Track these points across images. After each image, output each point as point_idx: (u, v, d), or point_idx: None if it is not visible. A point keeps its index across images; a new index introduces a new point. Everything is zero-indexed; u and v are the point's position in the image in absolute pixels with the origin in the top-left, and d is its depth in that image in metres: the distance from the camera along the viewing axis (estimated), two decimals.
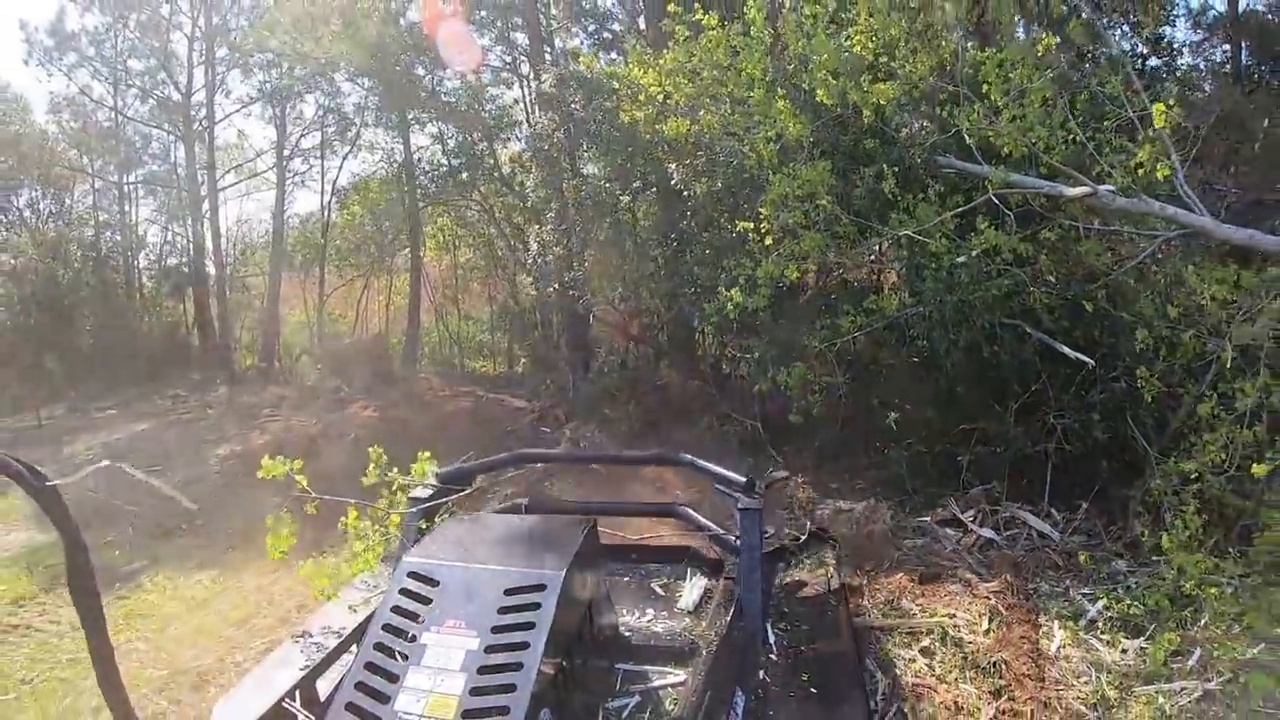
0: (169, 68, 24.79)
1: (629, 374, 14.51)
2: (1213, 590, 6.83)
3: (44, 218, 26.24)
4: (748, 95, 9.33)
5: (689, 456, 6.01)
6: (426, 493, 5.56)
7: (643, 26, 16.32)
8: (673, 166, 10.98)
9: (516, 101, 22.24)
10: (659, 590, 5.87)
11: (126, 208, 26.57)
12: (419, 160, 23.70)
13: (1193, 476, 7.33)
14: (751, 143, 9.57)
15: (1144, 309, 8.08)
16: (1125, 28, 13.15)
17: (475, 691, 3.43)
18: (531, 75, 19.58)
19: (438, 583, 3.88)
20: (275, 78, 24.52)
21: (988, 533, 8.79)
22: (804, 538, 6.56)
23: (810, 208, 8.99)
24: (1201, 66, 14.89)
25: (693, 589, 5.73)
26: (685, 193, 11.03)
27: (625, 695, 4.53)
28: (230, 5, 24.81)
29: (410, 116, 22.77)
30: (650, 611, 5.54)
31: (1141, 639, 6.67)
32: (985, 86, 8.54)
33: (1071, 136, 8.44)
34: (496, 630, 3.64)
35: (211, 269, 25.73)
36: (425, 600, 3.82)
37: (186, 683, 7.41)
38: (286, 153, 25.97)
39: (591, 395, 14.21)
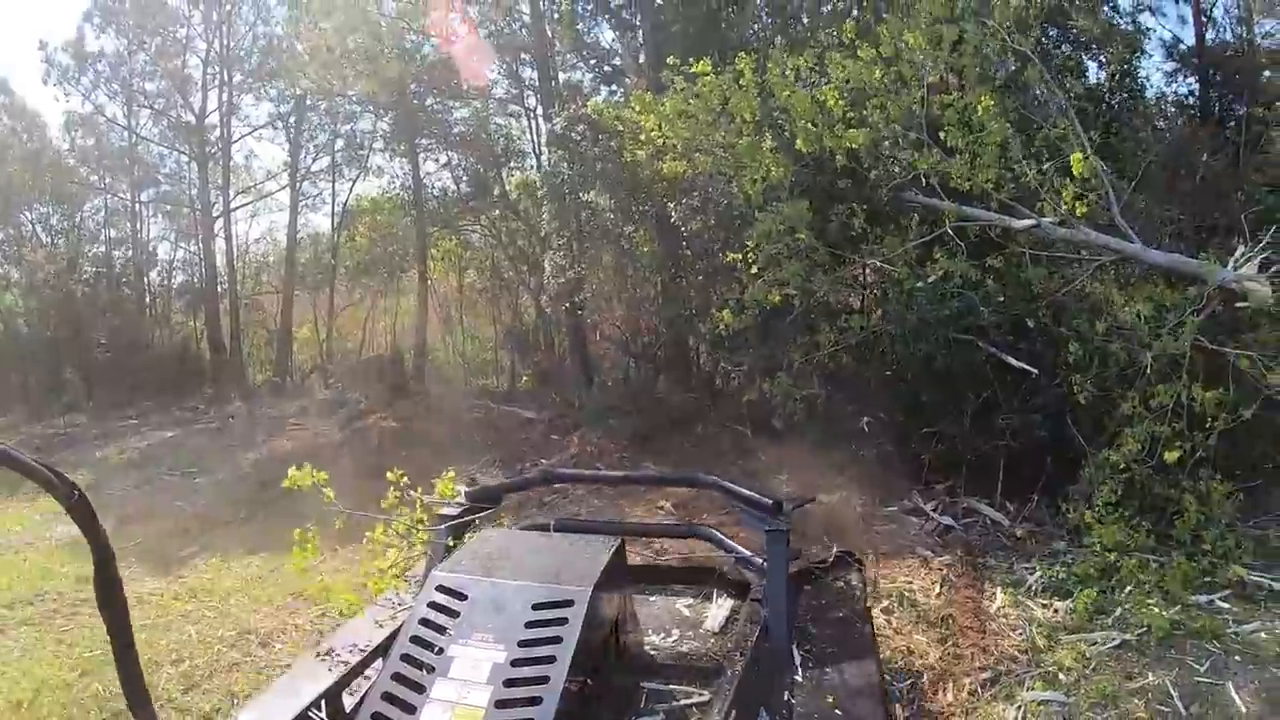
0: (184, 90, 25.05)
1: (631, 387, 15.58)
2: (1132, 562, 7.97)
3: (56, 234, 26.63)
4: (736, 141, 10.44)
5: (715, 478, 6.02)
6: (454, 511, 5.49)
7: (641, 61, 17.12)
8: (671, 205, 12.14)
9: (523, 132, 23.06)
10: (685, 611, 5.73)
11: (139, 226, 26.80)
12: (428, 185, 24.17)
13: (1121, 467, 8.45)
14: (740, 183, 10.74)
15: (1079, 325, 9.21)
16: (1098, 61, 13.61)
17: (501, 704, 3.45)
18: (539, 108, 20.49)
19: (466, 597, 3.91)
20: (289, 103, 25.19)
21: (946, 520, 10.02)
22: (830, 559, 6.31)
23: (791, 240, 10.17)
24: (1166, 97, 15.25)
25: (718, 610, 5.57)
26: (681, 227, 12.22)
27: (650, 713, 4.45)
28: (246, 31, 25.26)
29: (420, 143, 23.19)
30: (676, 631, 5.41)
31: (1070, 600, 7.72)
32: (943, 133, 9.72)
33: (1019, 175, 9.52)
34: (524, 644, 3.65)
35: (223, 286, 26.16)
36: (453, 614, 3.84)
37: (255, 640, 8.18)
38: (298, 175, 26.37)
39: (596, 407, 15.07)
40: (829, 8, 16.28)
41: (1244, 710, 5.98)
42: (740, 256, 10.69)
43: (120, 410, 21.66)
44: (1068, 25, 12.87)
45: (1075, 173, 8.98)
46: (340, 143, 26.19)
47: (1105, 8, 13.53)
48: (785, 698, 4.42)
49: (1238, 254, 8.56)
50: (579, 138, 13.58)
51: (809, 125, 10.13)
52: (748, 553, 5.76)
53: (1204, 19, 15.01)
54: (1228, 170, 11.91)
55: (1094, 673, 6.62)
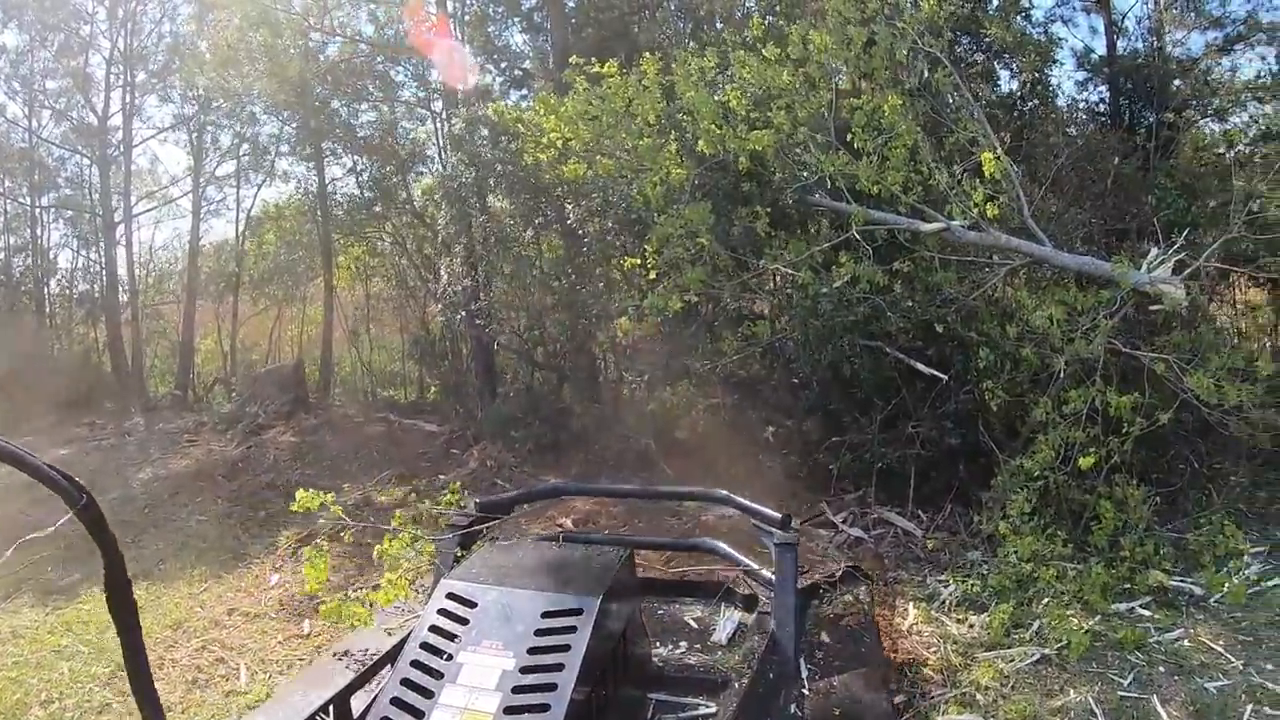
0: (86, 90, 24.17)
1: (533, 398, 15.04)
2: (1049, 571, 7.79)
3: None
4: (638, 142, 10.09)
5: (726, 493, 6.16)
6: (464, 521, 5.59)
7: (551, 65, 16.81)
8: (570, 207, 11.74)
9: (429, 137, 22.53)
10: (693, 623, 6.00)
11: (39, 231, 25.72)
12: (333, 191, 23.70)
13: (1035, 474, 8.26)
14: (640, 186, 10.33)
15: (990, 329, 9.05)
16: (1011, 69, 13.64)
17: (509, 711, 3.51)
18: (444, 113, 20.01)
19: (476, 604, 4.02)
20: (193, 106, 24.41)
21: (856, 532, 9.73)
22: (838, 573, 6.59)
23: (692, 244, 9.82)
24: (1078, 105, 15.24)
25: (726, 623, 5.88)
26: (580, 231, 11.83)
27: None
28: (150, 30, 24.33)
29: (326, 148, 22.70)
30: (684, 644, 5.67)
31: (986, 615, 7.49)
32: (851, 135, 9.47)
33: (928, 178, 9.29)
34: (532, 651, 3.75)
35: (125, 296, 25.24)
36: (463, 621, 3.95)
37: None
38: (202, 179, 25.60)
39: (497, 419, 14.67)
40: (740, 12, 16.08)
41: None
42: (638, 262, 10.35)
43: (15, 426, 20.17)
44: (980, 34, 12.79)
45: (986, 173, 8.78)
46: (245, 147, 25.41)
47: (1018, 18, 13.47)
48: (792, 711, 4.46)
49: (1151, 256, 8.49)
50: (479, 140, 13.10)
51: (712, 127, 9.82)
52: (756, 565, 6.06)
53: (1115, 29, 15.13)
54: (1137, 175, 11.87)
55: (1013, 691, 6.41)
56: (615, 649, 4.30)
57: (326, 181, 23.67)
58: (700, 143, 9.86)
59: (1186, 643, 6.79)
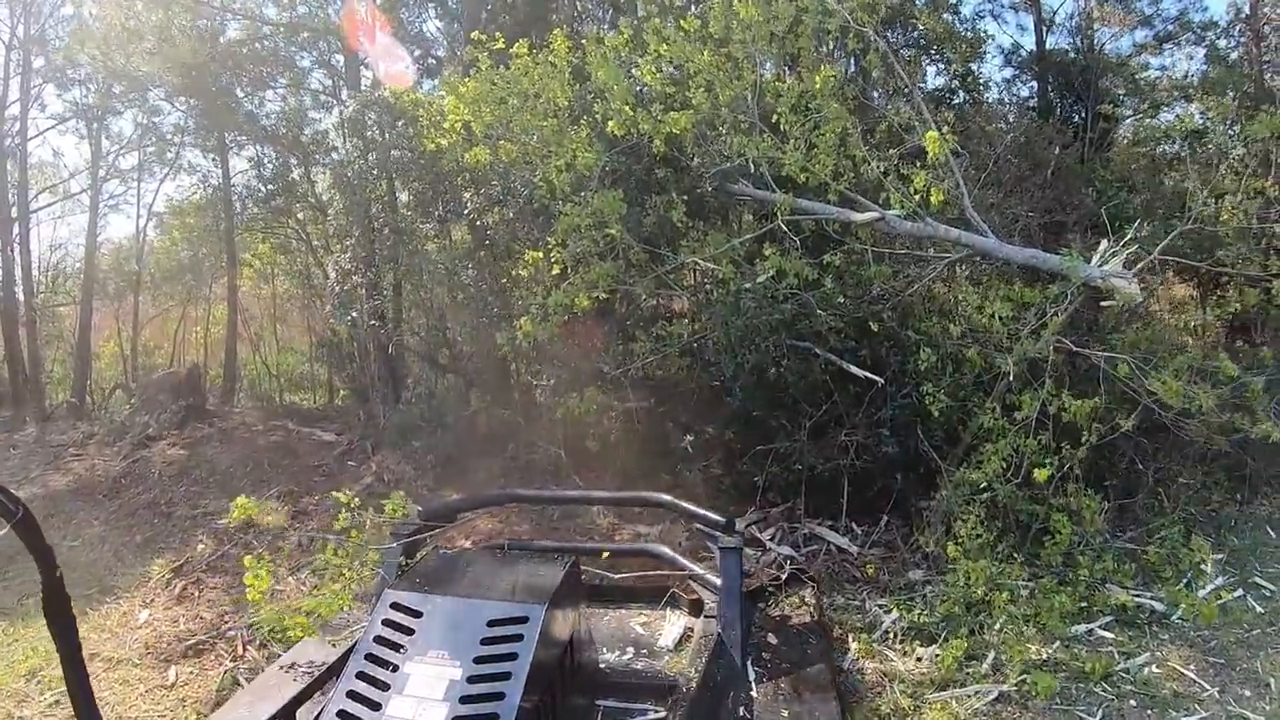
0: None
1: (436, 405, 14.24)
2: (1003, 595, 7.19)
3: None
4: (543, 124, 9.33)
5: (669, 498, 6.28)
6: (407, 530, 5.57)
7: (461, 54, 16.13)
8: (468, 195, 10.82)
9: (335, 126, 21.67)
10: (639, 629, 5.93)
11: None
12: (236, 185, 22.67)
13: (981, 486, 7.67)
14: (544, 171, 9.52)
15: (930, 328, 8.42)
16: (940, 64, 13.79)
17: None
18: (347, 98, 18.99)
19: (421, 614, 3.93)
20: (91, 94, 23.03)
21: (786, 550, 8.94)
22: (784, 577, 6.64)
23: (601, 236, 9.02)
24: (1007, 101, 15.48)
25: (673, 627, 5.83)
26: (479, 222, 10.86)
27: None
28: (50, 14, 22.86)
29: (230, 139, 21.85)
30: (631, 650, 5.60)
31: (935, 646, 6.87)
32: (775, 117, 8.74)
33: (859, 165, 8.65)
34: (479, 661, 3.69)
35: (21, 297, 23.60)
36: (408, 631, 3.87)
37: None
38: (102, 173, 24.36)
39: (398, 427, 13.92)
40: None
41: None
42: (540, 256, 9.53)
43: None
44: (909, 26, 12.67)
45: (930, 153, 8.08)
46: (149, 139, 24.06)
47: (946, 14, 13.36)
48: (740, 713, 4.59)
49: (1102, 249, 7.90)
50: (371, 124, 12.12)
51: (625, 107, 9.01)
52: (701, 570, 6.12)
53: (1045, 25, 15.31)
54: (1075, 167, 11.62)
55: None
56: (562, 656, 4.24)
57: (231, 175, 22.74)
58: (610, 124, 9.05)
59: (1155, 669, 6.40)
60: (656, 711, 4.65)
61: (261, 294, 26.43)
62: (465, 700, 3.54)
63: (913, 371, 8.46)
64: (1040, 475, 7.26)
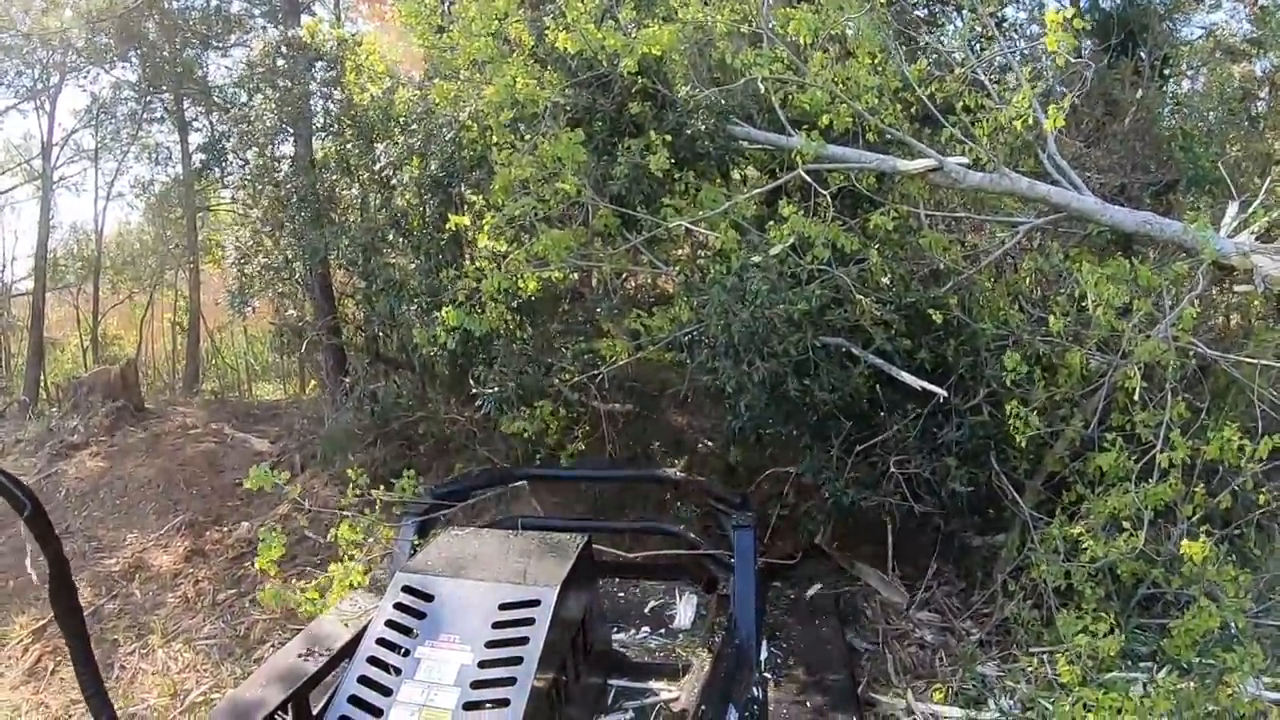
0: None
1: (379, 408, 11.92)
2: (1110, 696, 4.92)
3: None
4: (474, 44, 7.03)
5: (681, 474, 6.42)
6: (419, 509, 5.54)
7: None
8: (380, 147, 8.53)
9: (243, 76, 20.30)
10: (653, 608, 6.13)
11: None
12: (196, 160, 20.76)
13: (1083, 544, 5.45)
14: (475, 111, 7.24)
15: (1013, 320, 6.16)
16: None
17: (469, 706, 3.44)
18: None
19: (432, 597, 3.91)
20: (37, 66, 21.74)
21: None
22: (798, 555, 6.88)
23: (553, 194, 6.67)
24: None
25: (686, 606, 6.01)
26: (393, 181, 8.45)
27: (618, 711, 4.68)
28: None
29: (189, 111, 21.12)
30: (645, 629, 5.80)
31: None
32: (791, 30, 6.42)
33: (905, 98, 6.67)
34: (491, 645, 3.64)
35: None
36: (419, 615, 3.84)
37: None
38: (55, 153, 22.94)
39: (333, 436, 12.16)
40: None
41: None
42: (467, 222, 7.27)
43: None
44: None
45: (1051, 48, 6.19)
46: (105, 115, 22.77)
47: None
48: (754, 694, 4.45)
49: (1231, 212, 6.32)
50: (284, 69, 9.91)
51: (584, 17, 6.67)
52: (715, 548, 5.99)
53: None
54: (1157, 115, 9.79)
55: None
56: (575, 637, 4.21)
57: (190, 150, 21.62)
58: (562, 37, 6.65)
59: None
60: (669, 692, 4.77)
61: (228, 276, 24.67)
62: (477, 685, 3.51)
63: (990, 379, 6.10)
64: (1193, 551, 5.04)
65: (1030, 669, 5.62)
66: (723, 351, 6.28)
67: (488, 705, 3.41)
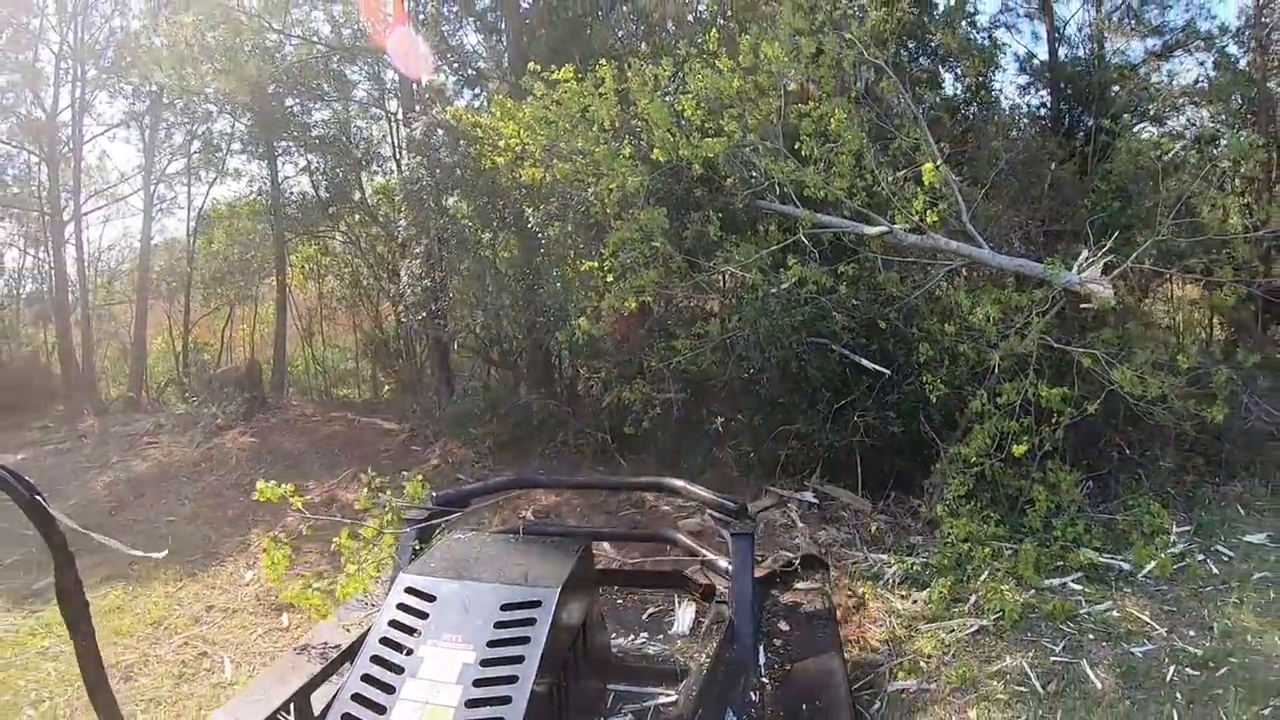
0: (35, 85, 23.58)
1: (491, 396, 15.34)
2: (986, 551, 8.35)
3: None
4: (594, 148, 10.51)
5: (681, 483, 6.17)
6: (422, 514, 5.56)
7: (505, 65, 16.85)
8: (529, 210, 12.03)
9: (385, 136, 22.68)
10: (652, 613, 6.06)
11: None
12: (286, 190, 23.56)
13: (971, 461, 8.85)
14: (598, 192, 10.82)
15: (931, 327, 9.60)
16: (956, 72, 14.17)
17: (471, 704, 3.44)
18: (400, 113, 20.11)
19: (435, 598, 3.91)
20: (144, 102, 24.11)
21: (809, 497, 10.53)
22: (796, 561, 6.59)
23: (647, 248, 10.24)
24: (1020, 109, 15.83)
25: (685, 613, 5.89)
26: (539, 234, 12.17)
27: (617, 715, 4.64)
28: (102, 23, 23.86)
29: (279, 146, 22.68)
30: (644, 634, 5.69)
31: (927, 591, 8.01)
32: (799, 143, 9.99)
33: (872, 184, 9.86)
34: (492, 644, 3.66)
35: (73, 296, 24.70)
36: (422, 615, 3.85)
37: (117, 675, 7.55)
38: (153, 176, 25.17)
39: (456, 416, 14.91)
40: (693, 15, 16.46)
41: (1099, 686, 6.29)
42: (596, 265, 10.73)
43: None
44: (926, 39, 13.30)
45: (926, 181, 9.27)
46: (197, 144, 25.13)
47: (963, 24, 13.99)
48: (751, 698, 4.50)
49: (1082, 258, 8.97)
50: (438, 143, 13.36)
51: (667, 134, 10.28)
52: (713, 555, 6.00)
53: (1057, 36, 15.72)
54: (1075, 178, 12.40)
55: (954, 658, 6.89)
56: (575, 640, 4.21)
57: (280, 180, 23.51)
58: (655, 150, 10.36)
59: (1115, 613, 7.28)
60: (667, 695, 4.72)
61: (307, 293, 27.06)
62: (479, 683, 3.52)
63: (915, 364, 9.69)
64: (1017, 450, 8.47)
65: (940, 540, 8.91)
66: (752, 346, 10.31)
67: (490, 703, 3.45)
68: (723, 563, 5.73)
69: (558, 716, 3.84)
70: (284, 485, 5.10)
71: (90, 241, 26.73)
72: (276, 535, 5.41)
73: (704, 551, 6.23)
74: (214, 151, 24.97)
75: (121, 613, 9.29)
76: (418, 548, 5.16)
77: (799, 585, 6.24)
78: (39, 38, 23.68)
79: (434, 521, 5.55)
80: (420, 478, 5.94)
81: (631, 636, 5.58)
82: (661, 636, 5.61)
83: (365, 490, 5.52)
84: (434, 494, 5.86)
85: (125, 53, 22.62)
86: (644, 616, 5.91)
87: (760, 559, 5.91)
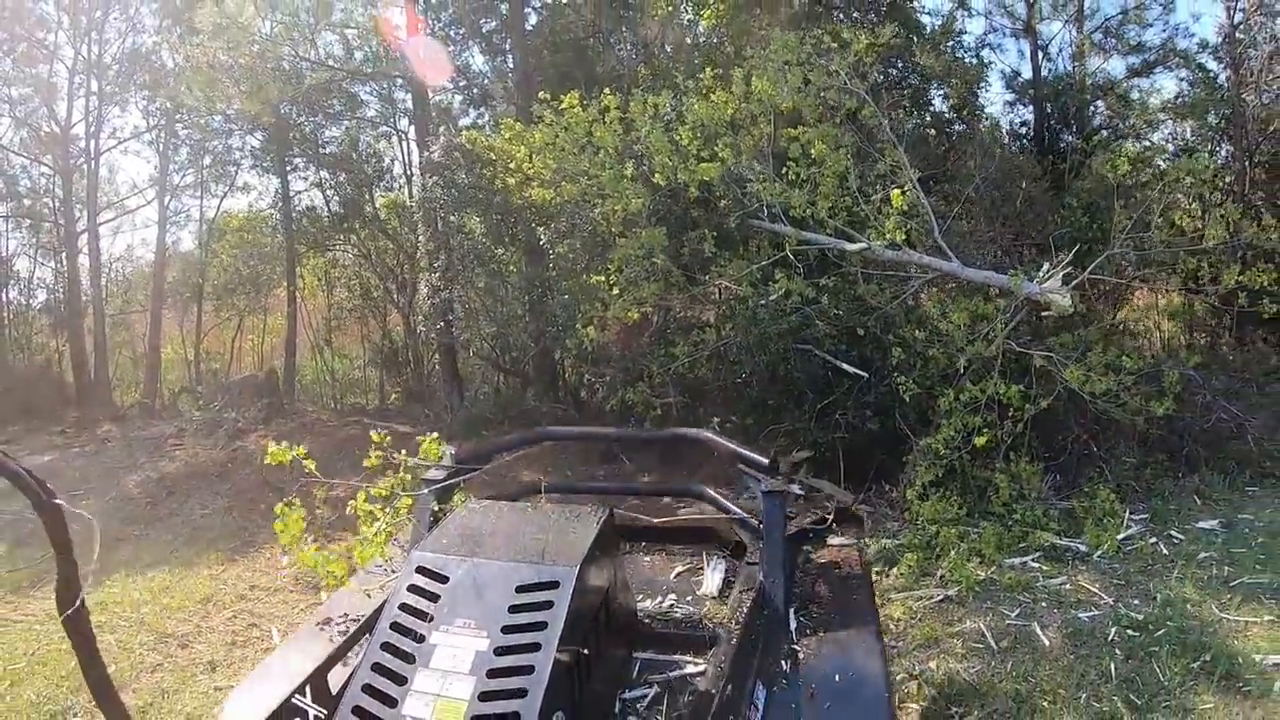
0: (49, 98, 24.37)
1: (501, 400, 16.27)
2: (952, 532, 9.21)
3: None
4: (600, 172, 11.37)
5: (709, 434, 5.96)
6: (440, 474, 5.31)
7: (511, 85, 17.74)
8: (540, 229, 13.05)
9: (394, 158, 23.69)
10: (680, 573, 5.56)
11: None
12: (296, 203, 24.20)
13: (939, 453, 9.69)
14: (603, 211, 11.79)
15: (905, 334, 10.42)
16: (943, 92, 15.06)
17: (484, 696, 3.23)
18: (411, 131, 21.10)
19: (447, 579, 3.67)
20: (156, 117, 24.78)
21: (795, 489, 10.95)
22: (829, 519, 5.91)
23: (649, 263, 11.20)
24: (1005, 125, 16.77)
25: (714, 573, 5.36)
26: (549, 250, 13.14)
27: (643, 685, 4.30)
28: (117, 39, 24.40)
29: (290, 161, 23.31)
30: (672, 596, 5.20)
31: (898, 567, 8.90)
32: (786, 167, 10.89)
33: (853, 205, 10.69)
34: (507, 630, 3.43)
35: (87, 305, 25.15)
36: (434, 597, 3.61)
37: (174, 643, 8.54)
38: (166, 189, 25.89)
39: (468, 420, 15.60)
40: (690, 39, 17.32)
41: (1047, 643, 7.15)
42: (603, 280, 11.63)
43: None
44: (913, 60, 14.12)
45: (895, 205, 10.04)
46: (208, 158, 25.91)
47: (950, 44, 14.98)
48: (783, 667, 4.29)
49: (1043, 269, 9.84)
50: (454, 165, 14.24)
51: (666, 160, 11.13)
52: (744, 513, 5.68)
53: (1041, 54, 16.52)
54: (1048, 194, 13.13)
55: (920, 621, 7.77)
56: (597, 612, 3.90)
57: (291, 194, 24.14)
58: (656, 175, 11.25)
59: (1068, 586, 8.09)
60: (695, 664, 4.36)
61: (316, 304, 27.61)
62: (493, 674, 3.30)
63: (890, 366, 10.48)
64: (978, 441, 9.30)
65: (910, 521, 9.85)
66: (743, 352, 11.18)
67: (504, 695, 3.24)
68: (754, 520, 5.45)
69: (580, 690, 3.54)
70: (297, 447, 5.33)
71: (102, 252, 26.99)
72: (290, 500, 5.32)
73: (734, 509, 5.85)
74: (225, 165, 25.76)
75: (170, 592, 10.09)
76: (437, 509, 5.04)
77: (833, 541, 5.73)
78: (54, 53, 24.28)
79: (454, 480, 5.32)
80: (435, 435, 5.87)
81: (659, 599, 5.09)
82: (690, 598, 5.09)
83: (372, 451, 5.48)
84: (452, 451, 5.64)
85: (141, 69, 23.68)
86: (672, 576, 5.42)
87: (792, 515, 5.36)
